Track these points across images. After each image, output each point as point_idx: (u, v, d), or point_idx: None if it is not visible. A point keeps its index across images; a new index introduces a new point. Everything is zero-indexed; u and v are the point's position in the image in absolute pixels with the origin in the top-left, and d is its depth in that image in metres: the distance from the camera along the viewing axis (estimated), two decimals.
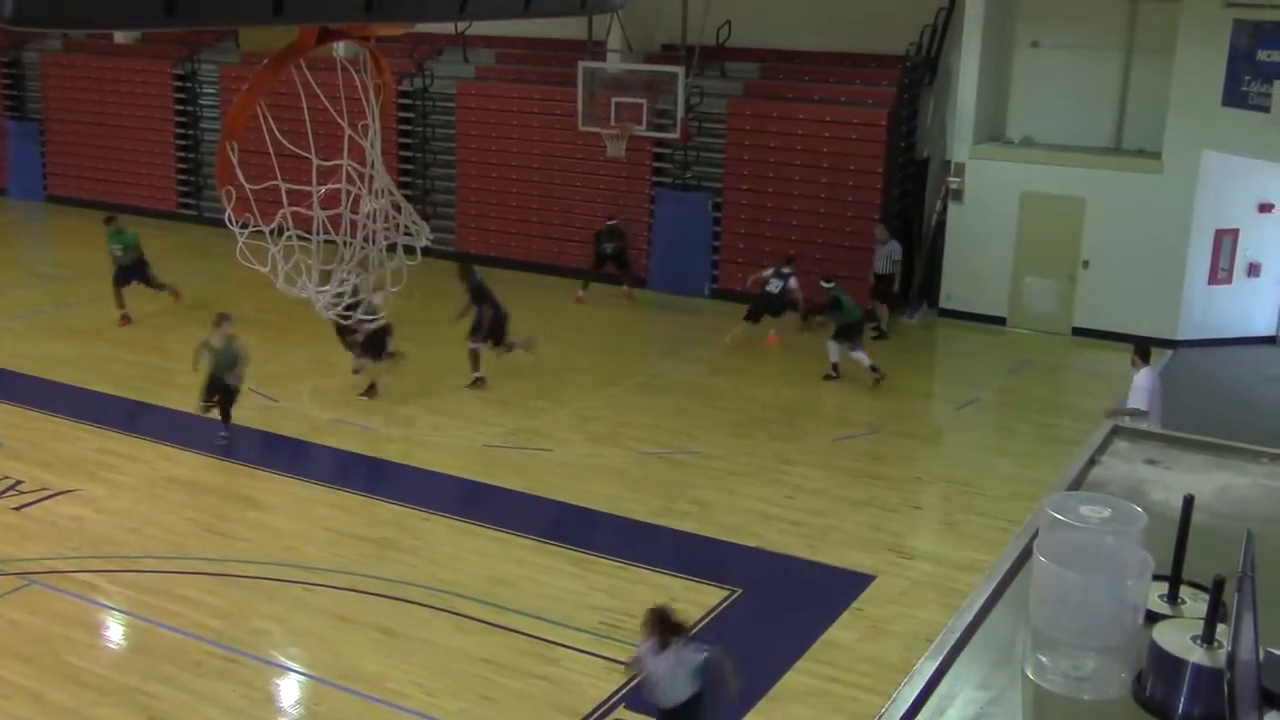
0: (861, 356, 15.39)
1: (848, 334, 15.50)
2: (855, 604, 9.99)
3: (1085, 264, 17.62)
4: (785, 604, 10.21)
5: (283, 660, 9.17)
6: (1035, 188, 17.69)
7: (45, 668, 8.77)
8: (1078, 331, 17.74)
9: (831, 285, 15.60)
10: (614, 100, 18.83)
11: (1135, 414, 11.23)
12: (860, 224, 18.30)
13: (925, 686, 2.22)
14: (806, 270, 16.85)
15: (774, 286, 16.49)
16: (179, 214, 24.19)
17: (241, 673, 8.81)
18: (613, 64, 19.54)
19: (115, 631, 9.61)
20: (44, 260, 23.08)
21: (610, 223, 19.09)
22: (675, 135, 18.90)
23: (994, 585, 2.56)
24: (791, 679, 8.86)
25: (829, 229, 18.42)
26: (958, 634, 2.38)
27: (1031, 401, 15.49)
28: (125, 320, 17.42)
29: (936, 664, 2.28)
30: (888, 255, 17.60)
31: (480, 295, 15.09)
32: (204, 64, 23.85)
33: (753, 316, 16.62)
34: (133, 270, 17.69)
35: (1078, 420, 13.81)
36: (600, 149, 19.35)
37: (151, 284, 17.89)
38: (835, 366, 15.62)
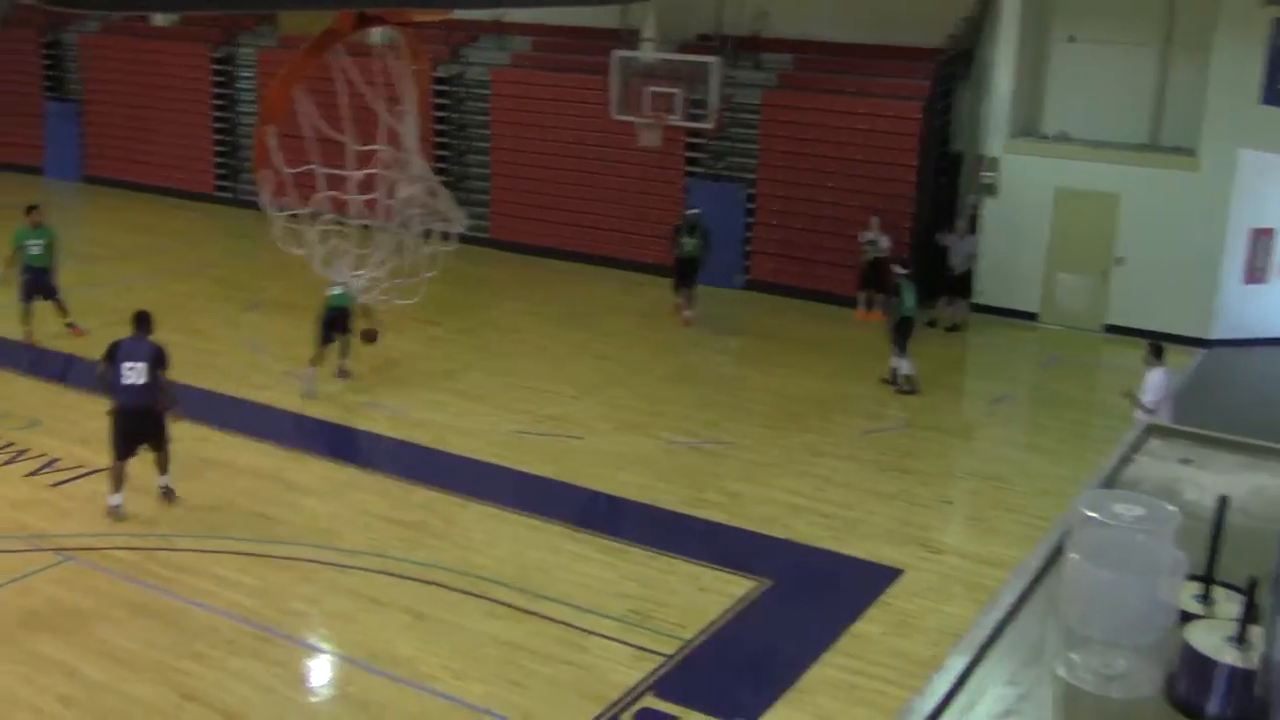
0: (905, 363, 15.03)
1: (899, 331, 15.22)
2: (883, 597, 10.00)
3: (1119, 261, 17.50)
4: (813, 596, 10.23)
5: (315, 641, 9.27)
6: (1070, 183, 17.59)
7: (80, 643, 8.90)
8: (1110, 329, 17.63)
9: (904, 273, 15.35)
10: (648, 89, 18.81)
11: (1141, 408, 11.43)
12: (892, 217, 18.25)
13: (955, 681, 2.24)
14: (839, 262, 16.84)
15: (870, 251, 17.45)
16: (215, 197, 24.39)
17: (274, 652, 8.92)
18: (647, 53, 19.51)
19: (150, 609, 9.73)
20: (80, 240, 23.25)
21: (691, 212, 18.18)
22: (709, 125, 18.86)
23: (1025, 581, 2.58)
24: (818, 671, 8.88)
25: (861, 222, 18.35)
26: (988, 629, 2.39)
27: (1063, 398, 15.42)
28: (27, 335, 15.73)
29: (967, 659, 2.29)
30: (965, 251, 17.52)
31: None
32: (242, 48, 24.02)
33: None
34: (44, 277, 15.68)
35: (1110, 418, 13.75)
36: (633, 138, 19.35)
37: (58, 300, 15.80)
38: (905, 377, 15.03)
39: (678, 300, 17.66)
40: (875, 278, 17.52)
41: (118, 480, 10.94)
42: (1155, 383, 11.59)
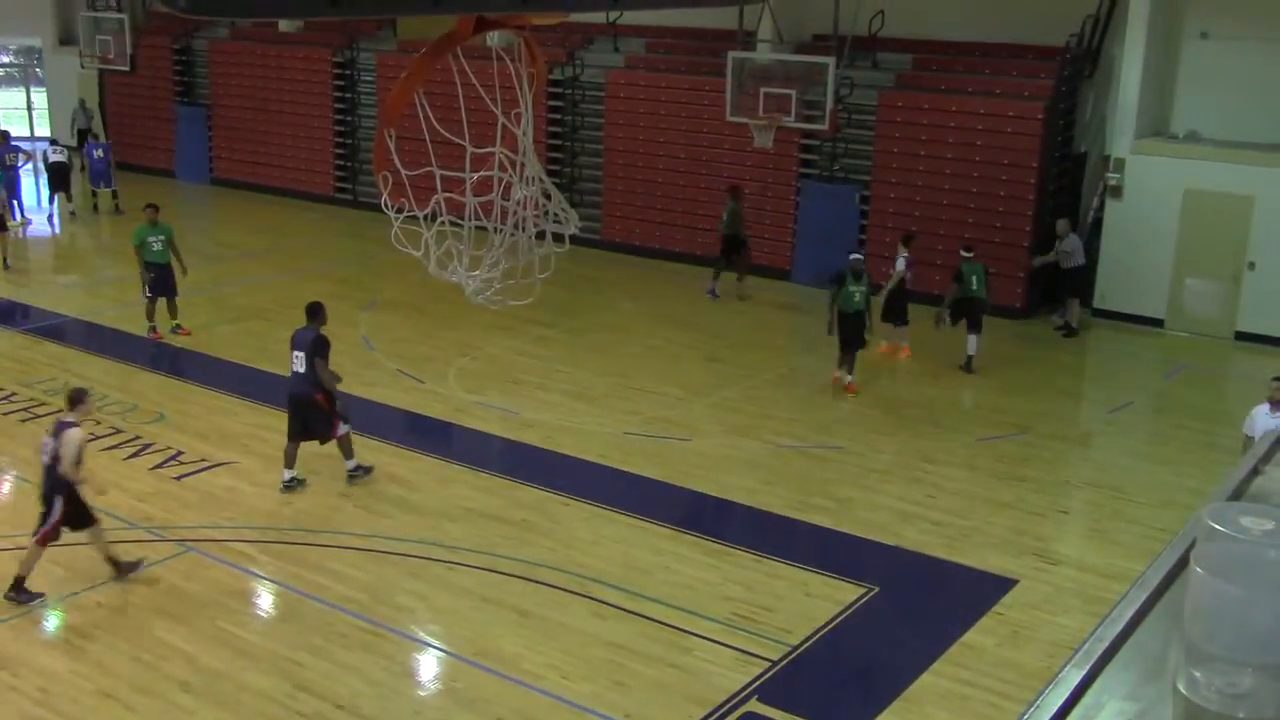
0: (971, 340, 15.45)
1: (963, 312, 15.43)
2: (996, 608, 9.78)
3: (1251, 265, 16.90)
4: (923, 604, 10.06)
5: (423, 636, 9.40)
6: (1200, 185, 17.03)
7: (199, 631, 9.15)
8: (1241, 336, 17.04)
9: (969, 255, 15.70)
10: (763, 91, 18.73)
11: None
12: (1012, 219, 17.90)
13: (1070, 695, 2.17)
14: (954, 265, 16.51)
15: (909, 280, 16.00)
16: (335, 198, 24.96)
17: (384, 646, 9.06)
18: (763, 54, 19.44)
19: (266, 600, 9.98)
20: (208, 241, 24.01)
21: (854, 257, 15.16)
22: (824, 127, 18.70)
23: (1146, 595, 2.49)
24: (927, 680, 8.72)
25: (979, 224, 18.04)
26: (1106, 642, 2.31)
27: (1189, 408, 14.93)
28: (153, 330, 16.25)
29: (1083, 672, 2.22)
30: (1072, 249, 17.14)
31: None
32: (362, 52, 24.54)
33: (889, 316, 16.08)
34: (166, 274, 16.11)
35: (1239, 429, 13.27)
36: (748, 139, 19.28)
37: (174, 299, 16.30)
38: (969, 357, 15.53)
39: (836, 373, 14.74)
40: (896, 306, 16.03)
41: (287, 458, 11.59)
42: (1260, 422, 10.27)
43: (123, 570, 9.84)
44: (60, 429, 9.49)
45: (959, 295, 15.45)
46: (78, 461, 9.40)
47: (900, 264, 16.04)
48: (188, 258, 16.68)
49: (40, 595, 9.57)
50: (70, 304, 18.19)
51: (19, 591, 9.51)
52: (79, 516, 9.61)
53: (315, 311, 11.68)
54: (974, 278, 15.46)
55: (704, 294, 18.88)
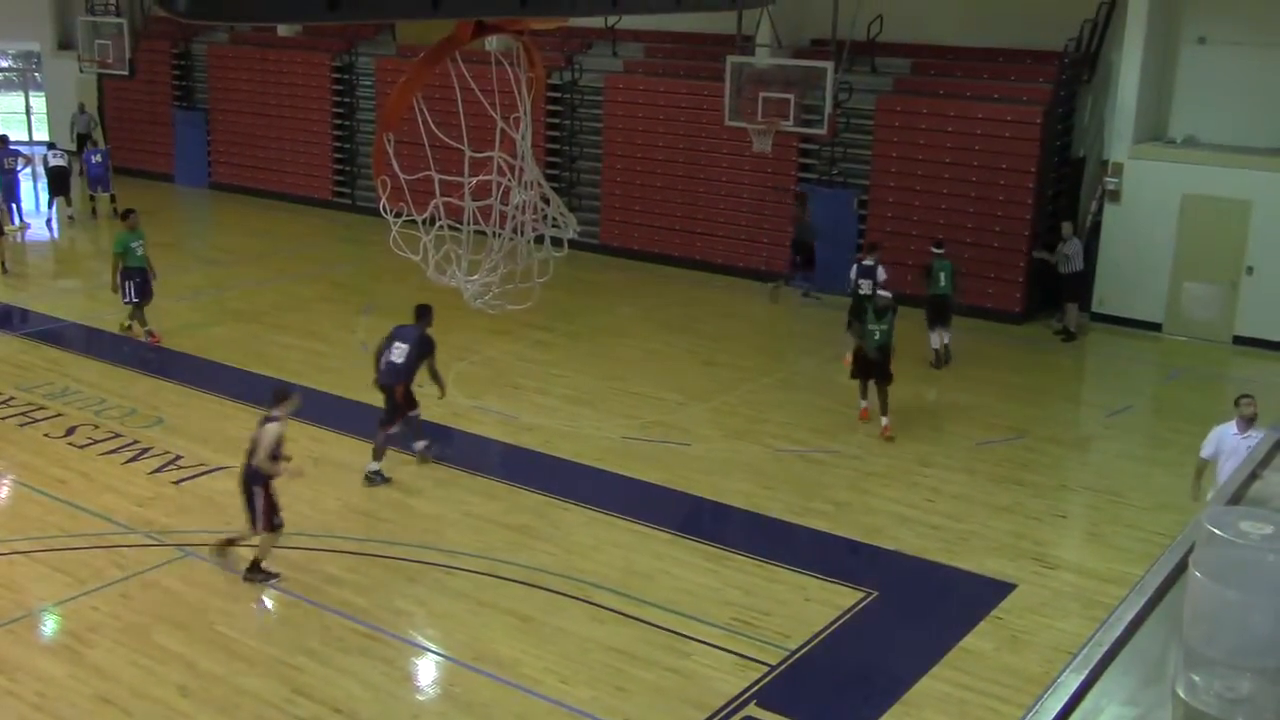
0: (935, 336, 15.68)
1: (933, 309, 15.61)
2: (994, 612, 9.78)
3: (1249, 270, 16.91)
4: (921, 609, 10.05)
5: (422, 641, 9.39)
6: (1198, 189, 17.04)
7: (198, 636, 9.14)
8: (1239, 340, 17.04)
9: (939, 251, 15.91)
10: (761, 95, 18.74)
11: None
12: (1010, 224, 17.91)
13: (1069, 700, 2.17)
14: (954, 270, 16.52)
15: (865, 287, 15.66)
16: (334, 202, 24.95)
17: (383, 651, 9.06)
18: (761, 59, 19.45)
19: (264, 605, 9.97)
20: (206, 245, 24.05)
21: (882, 295, 14.23)
22: (822, 131, 18.72)
23: (1145, 599, 2.49)
24: (926, 685, 8.72)
25: (978, 228, 18.05)
26: (1105, 647, 2.31)
27: (1187, 412, 14.91)
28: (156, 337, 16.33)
29: (1082, 677, 2.22)
30: (1073, 253, 17.14)
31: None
32: (361, 56, 24.55)
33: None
34: (147, 278, 16.19)
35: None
36: (746, 144, 19.30)
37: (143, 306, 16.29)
38: (936, 354, 15.75)
39: (864, 404, 13.84)
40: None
41: (377, 449, 12.07)
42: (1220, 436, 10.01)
43: (258, 576, 9.99)
44: (263, 423, 9.84)
45: (929, 292, 15.73)
46: (273, 457, 9.72)
47: (854, 271, 16.01)
48: (186, 262, 16.70)
49: (276, 574, 10.00)
50: (69, 308, 18.18)
51: (256, 571, 9.95)
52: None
53: (424, 312, 12.22)
54: (942, 274, 15.68)
55: (711, 299, 18.90)
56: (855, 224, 19.23)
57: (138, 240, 16.11)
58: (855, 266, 16.08)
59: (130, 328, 16.43)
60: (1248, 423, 9.82)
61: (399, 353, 11.96)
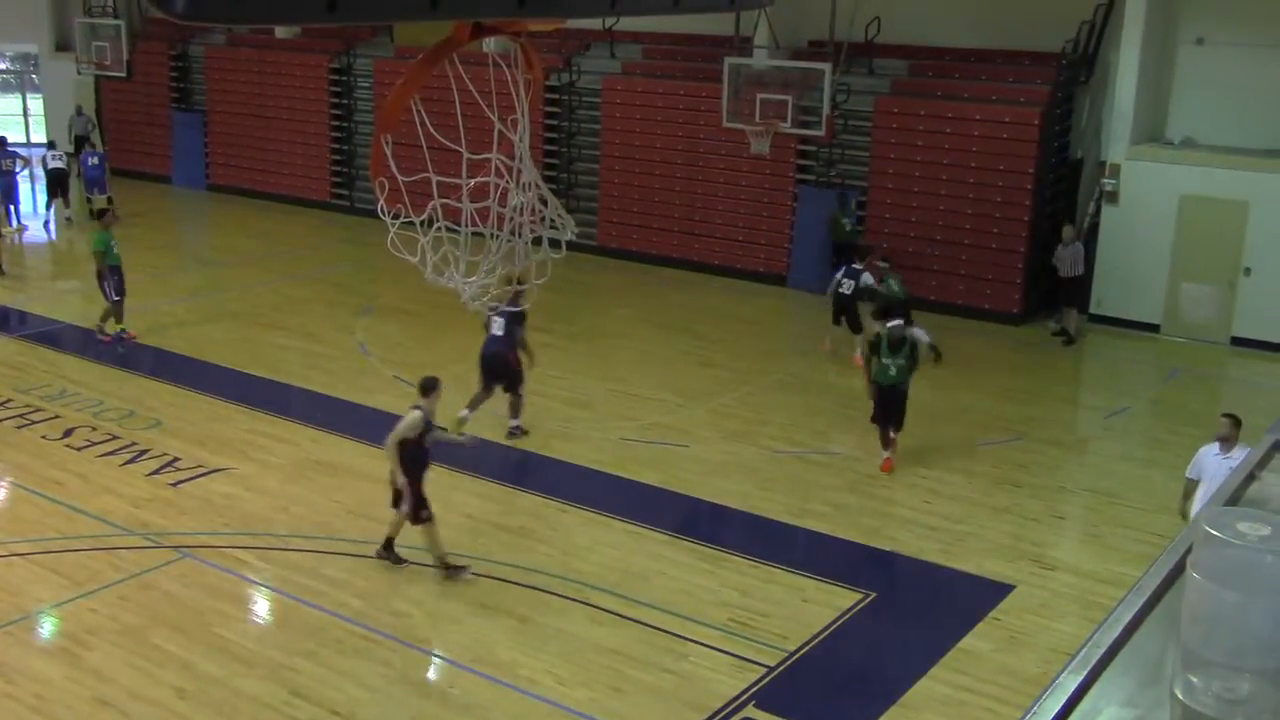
0: (868, 326, 15.48)
1: (888, 314, 15.19)
2: (992, 613, 9.78)
3: (1247, 271, 16.92)
4: (920, 610, 10.05)
5: (420, 643, 9.38)
6: (1196, 190, 17.06)
7: (196, 638, 9.13)
8: (1237, 341, 17.06)
9: (885, 265, 15.92)
10: (759, 97, 18.76)
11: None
12: (1008, 225, 17.92)
13: (1068, 701, 2.17)
14: (951, 271, 16.57)
15: (846, 287, 15.72)
16: (332, 204, 24.94)
17: (381, 653, 9.05)
18: (759, 60, 19.47)
19: (262, 607, 9.96)
20: (204, 246, 24.05)
21: (894, 324, 12.64)
22: (820, 133, 18.74)
23: (1143, 600, 2.48)
24: (925, 686, 8.72)
25: (976, 230, 18.06)
26: (1103, 648, 2.31)
27: (1185, 413, 14.92)
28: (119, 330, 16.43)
29: (1080, 678, 2.22)
30: (1073, 256, 17.11)
31: None
32: (359, 58, 24.55)
33: (835, 320, 16.07)
34: (122, 275, 16.40)
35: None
36: (744, 145, 19.31)
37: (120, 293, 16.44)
38: (834, 338, 16.17)
39: (886, 454, 12.67)
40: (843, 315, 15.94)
41: (473, 401, 12.97)
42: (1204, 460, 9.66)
43: (450, 571, 10.06)
44: (410, 410, 10.02)
45: (881, 301, 15.04)
46: (400, 439, 9.81)
47: (840, 272, 15.93)
48: (184, 263, 16.73)
49: (404, 562, 10.16)
50: (66, 310, 18.16)
51: (387, 550, 10.18)
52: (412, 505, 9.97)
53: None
54: (888, 282, 15.49)
55: (709, 300, 18.89)
56: (854, 225, 19.21)
57: (113, 239, 16.26)
58: (844, 268, 15.95)
59: (103, 328, 16.42)
60: (1225, 444, 9.54)
61: (498, 325, 12.92)
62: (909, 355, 12.42)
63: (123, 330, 16.35)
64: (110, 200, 23.50)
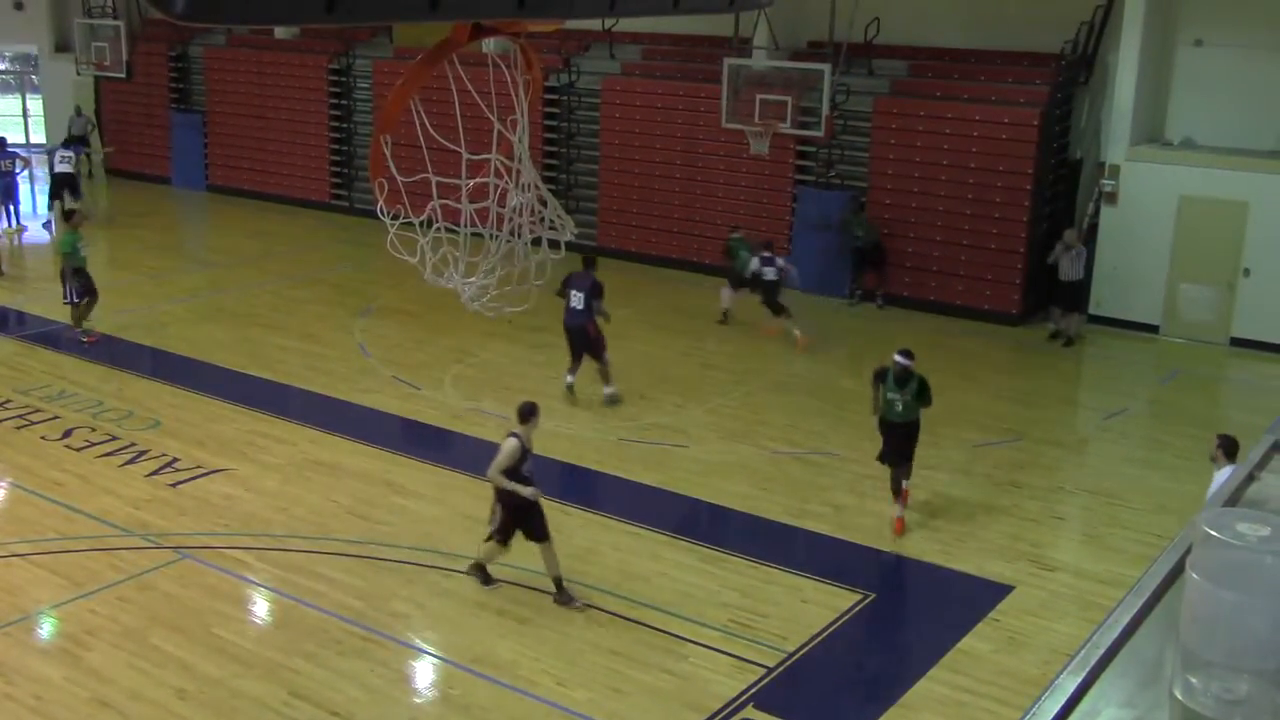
0: (726, 294, 17.22)
1: (739, 284, 16.93)
2: (992, 614, 9.78)
3: (1246, 272, 16.92)
4: (919, 610, 10.06)
5: (419, 643, 9.39)
6: (1195, 191, 17.06)
7: (195, 639, 9.13)
8: (1236, 342, 17.06)
9: (733, 235, 17.43)
10: (759, 97, 18.75)
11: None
12: (1007, 225, 17.91)
13: (1067, 702, 2.17)
14: (951, 272, 16.56)
15: (770, 274, 16.47)
16: (331, 205, 24.94)
17: (379, 653, 9.05)
18: (758, 61, 19.47)
19: (261, 607, 9.96)
20: (203, 247, 24.03)
21: (900, 361, 11.30)
22: (820, 133, 18.73)
23: (1142, 601, 2.49)
24: (924, 687, 8.72)
25: (975, 230, 18.06)
26: (1102, 649, 2.31)
27: (1184, 414, 14.93)
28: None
29: (1080, 679, 2.22)
30: (1074, 260, 17.07)
31: None
32: (358, 59, 24.54)
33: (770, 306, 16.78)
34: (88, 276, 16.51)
35: (1234, 435, 13.26)
36: (743, 146, 19.30)
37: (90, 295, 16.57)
38: (725, 314, 17.45)
39: (898, 511, 11.39)
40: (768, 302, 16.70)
41: (570, 368, 14.19)
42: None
43: (563, 598, 9.71)
44: (506, 437, 9.76)
45: (735, 269, 16.91)
46: (501, 469, 9.54)
47: (754, 263, 16.59)
48: (184, 264, 16.72)
49: (497, 582, 9.96)
50: (66, 311, 18.11)
51: (479, 570, 10.03)
52: (531, 526, 9.69)
53: (592, 261, 14.34)
54: (737, 251, 16.92)
55: (709, 300, 18.87)
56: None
57: (81, 240, 16.30)
58: (756, 259, 16.64)
59: (87, 330, 16.43)
60: (1214, 460, 9.40)
61: (577, 299, 13.69)
62: (917, 392, 11.17)
63: (87, 331, 16.36)
64: (81, 201, 23.11)
